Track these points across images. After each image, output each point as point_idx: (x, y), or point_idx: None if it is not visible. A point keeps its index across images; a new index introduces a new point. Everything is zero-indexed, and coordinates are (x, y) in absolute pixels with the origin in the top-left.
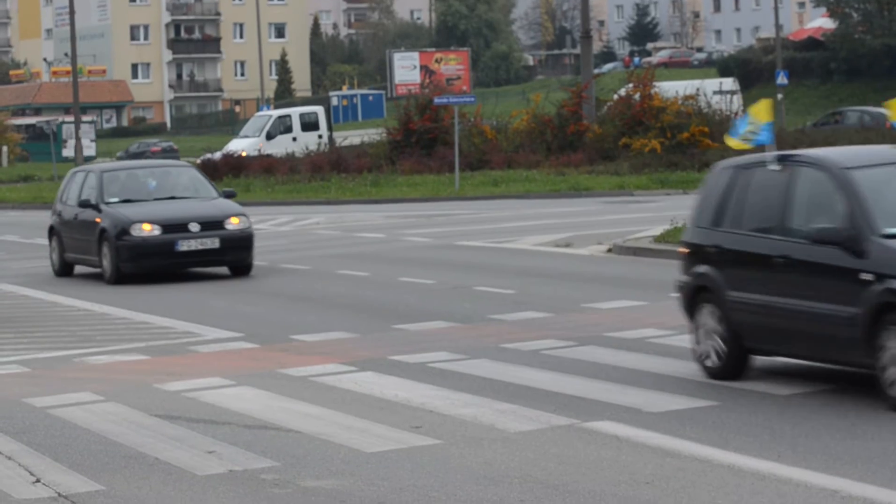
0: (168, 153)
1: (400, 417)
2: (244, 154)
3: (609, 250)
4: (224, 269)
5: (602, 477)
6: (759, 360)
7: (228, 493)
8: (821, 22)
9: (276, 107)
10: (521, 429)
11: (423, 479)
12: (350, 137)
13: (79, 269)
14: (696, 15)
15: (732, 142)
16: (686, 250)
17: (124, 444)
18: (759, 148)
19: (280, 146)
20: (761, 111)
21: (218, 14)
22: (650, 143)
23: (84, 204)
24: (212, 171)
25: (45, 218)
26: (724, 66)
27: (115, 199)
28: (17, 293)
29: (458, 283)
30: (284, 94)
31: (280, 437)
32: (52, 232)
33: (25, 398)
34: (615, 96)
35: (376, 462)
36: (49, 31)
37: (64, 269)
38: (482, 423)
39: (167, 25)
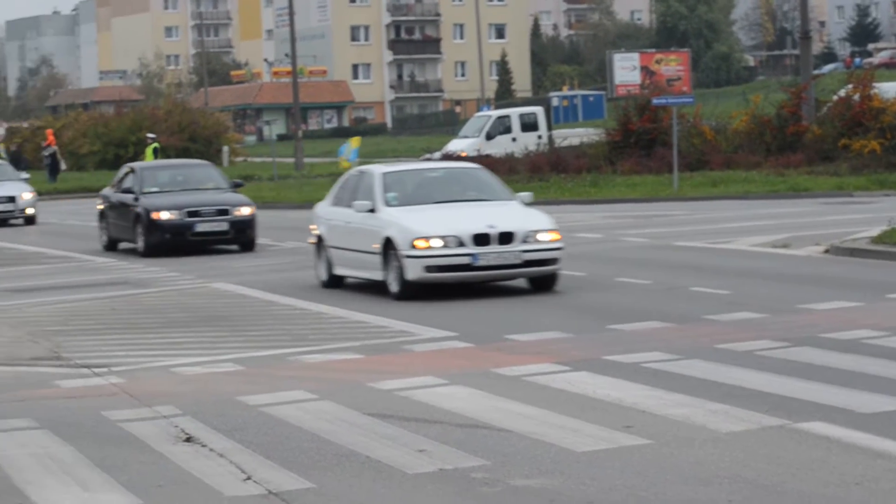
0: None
1: (612, 417)
2: (464, 154)
3: (826, 251)
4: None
5: (811, 477)
6: None
7: (438, 492)
8: None
9: (497, 107)
10: (732, 429)
11: (633, 479)
12: (569, 138)
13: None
14: None
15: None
16: None
17: (336, 442)
18: None
19: (500, 146)
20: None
21: (438, 15)
22: (869, 144)
23: None
24: None
25: (268, 219)
26: None
27: None
28: (235, 292)
29: (674, 283)
30: (505, 95)
31: (491, 437)
32: None
33: (239, 396)
34: (835, 97)
35: (586, 462)
36: (270, 31)
37: None
38: (693, 423)
39: (387, 26)
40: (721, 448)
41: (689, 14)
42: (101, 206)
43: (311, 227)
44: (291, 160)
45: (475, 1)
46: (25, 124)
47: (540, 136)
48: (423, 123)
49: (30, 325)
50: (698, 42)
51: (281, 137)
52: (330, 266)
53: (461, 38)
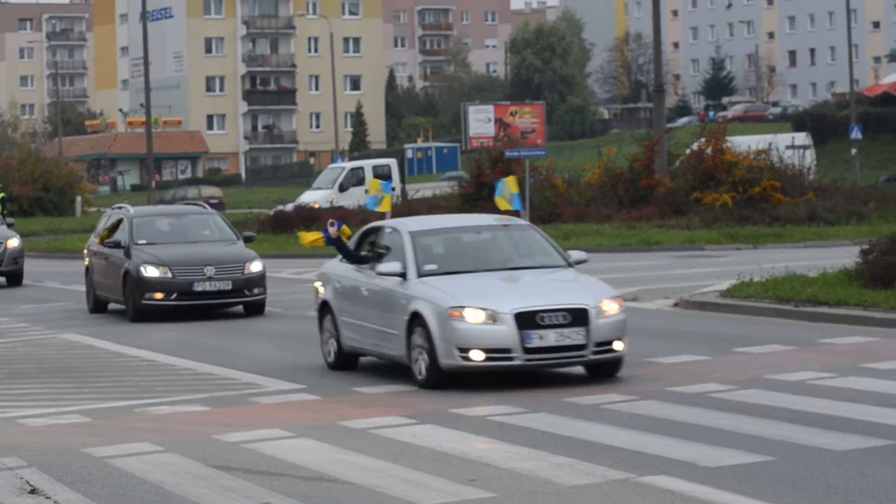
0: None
1: (456, 470)
2: (317, 206)
3: (676, 304)
4: (289, 322)
5: None
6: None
7: None
8: None
9: (351, 159)
10: (576, 483)
11: None
12: (423, 190)
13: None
14: (772, 69)
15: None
16: None
17: (180, 494)
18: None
19: (353, 198)
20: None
21: (293, 66)
22: (721, 197)
23: None
24: (283, 222)
25: None
26: (798, 121)
27: None
28: (83, 343)
29: None
30: (359, 147)
31: (335, 490)
32: None
33: (84, 448)
34: (687, 150)
35: None
36: (125, 81)
37: None
38: (538, 476)
39: (243, 77)
40: (565, 502)
41: (543, 67)
42: None
43: None
44: None
45: (330, 52)
46: None
47: (393, 188)
48: (277, 175)
49: None
50: (553, 95)
51: (135, 188)
52: None
53: (316, 89)
